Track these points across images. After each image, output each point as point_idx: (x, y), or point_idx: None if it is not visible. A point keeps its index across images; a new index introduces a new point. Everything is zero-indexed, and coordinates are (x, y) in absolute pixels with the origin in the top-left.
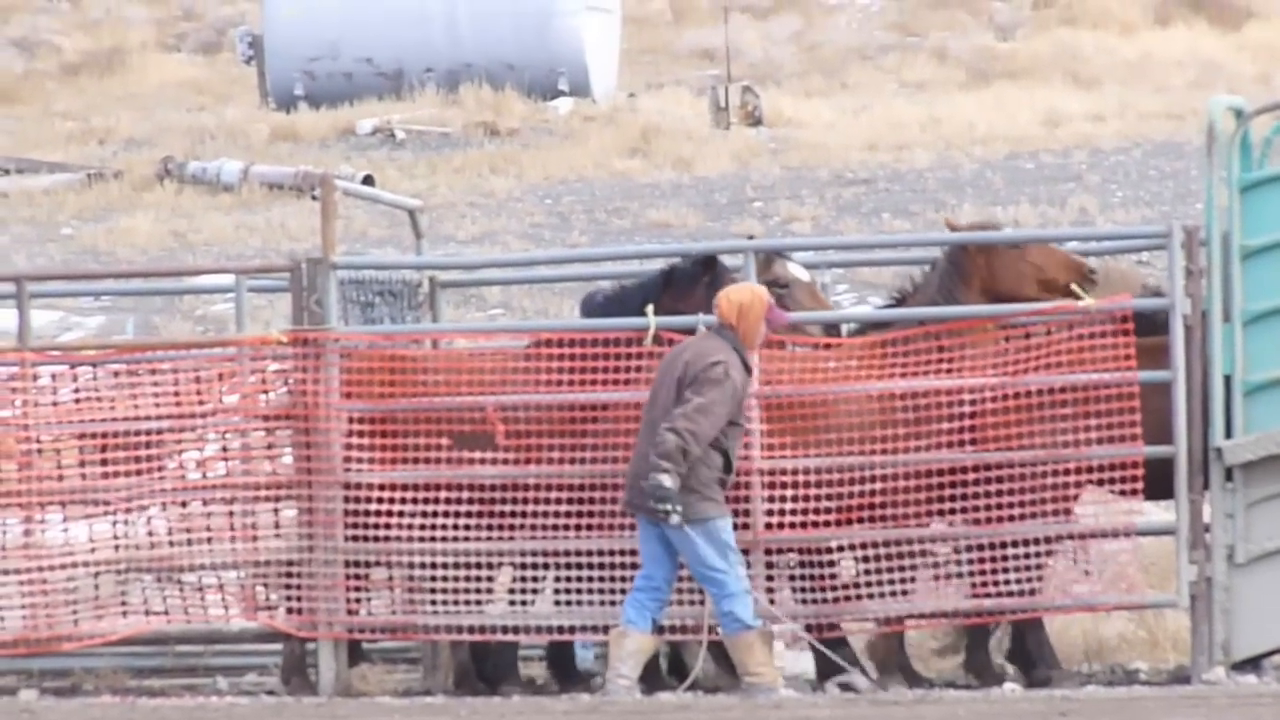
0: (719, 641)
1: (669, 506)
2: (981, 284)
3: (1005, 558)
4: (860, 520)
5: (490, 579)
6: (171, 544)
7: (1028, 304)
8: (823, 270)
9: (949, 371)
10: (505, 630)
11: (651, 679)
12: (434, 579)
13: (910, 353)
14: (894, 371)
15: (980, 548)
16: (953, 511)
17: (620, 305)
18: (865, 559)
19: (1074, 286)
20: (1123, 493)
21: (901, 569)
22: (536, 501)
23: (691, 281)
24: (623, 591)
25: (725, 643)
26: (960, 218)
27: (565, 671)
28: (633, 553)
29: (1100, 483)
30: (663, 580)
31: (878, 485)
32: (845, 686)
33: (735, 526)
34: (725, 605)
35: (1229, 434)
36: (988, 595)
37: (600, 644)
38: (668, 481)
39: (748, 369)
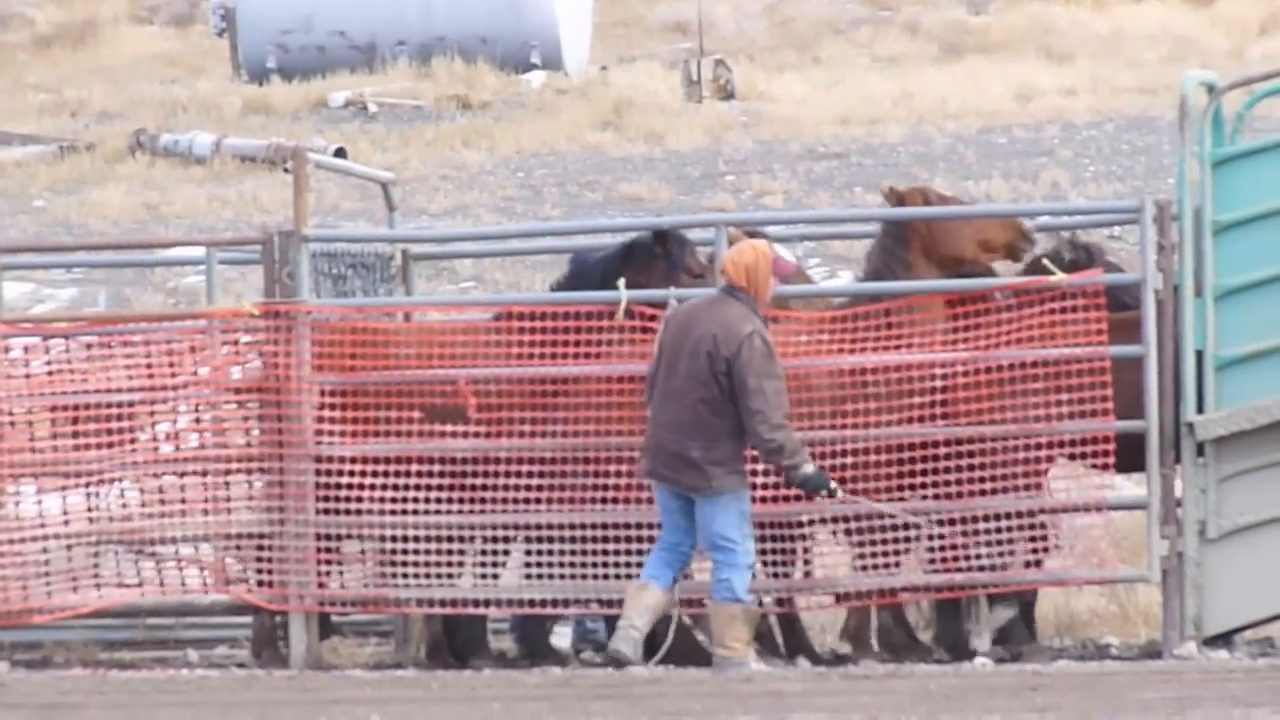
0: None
1: (828, 488)
2: (922, 246)
3: (976, 532)
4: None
5: (461, 552)
6: (144, 516)
7: (1001, 278)
8: (795, 244)
9: (919, 346)
10: (476, 604)
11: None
12: (405, 552)
13: (880, 327)
14: (865, 346)
15: (951, 522)
16: (924, 486)
17: (582, 280)
18: (835, 534)
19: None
20: (1094, 467)
21: (873, 544)
22: (507, 475)
23: (650, 254)
24: (593, 565)
25: (709, 609)
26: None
27: (535, 645)
28: (601, 526)
29: (1073, 456)
30: (689, 546)
31: (848, 460)
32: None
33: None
34: (725, 573)
35: (1201, 409)
36: (959, 569)
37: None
38: (809, 469)
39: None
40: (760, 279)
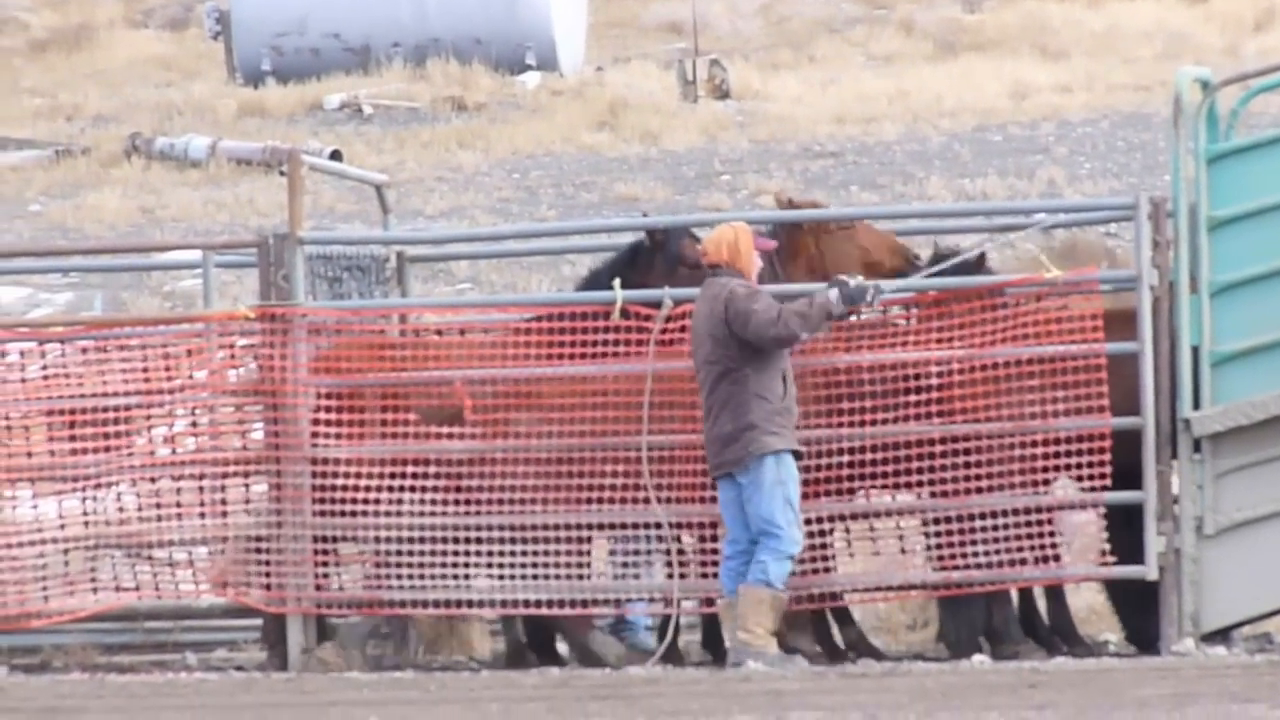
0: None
1: (869, 292)
2: (808, 263)
3: (973, 530)
4: (828, 493)
5: (458, 554)
6: (141, 520)
7: (997, 276)
8: None
9: (916, 344)
10: (474, 605)
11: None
12: (401, 554)
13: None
14: (861, 344)
15: (949, 520)
16: (920, 484)
17: (593, 285)
18: (832, 531)
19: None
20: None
21: (871, 542)
22: (503, 476)
23: (650, 254)
24: (589, 565)
25: (739, 590)
26: (929, 189)
27: (532, 646)
28: (598, 527)
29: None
30: (748, 542)
31: (845, 458)
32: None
33: (703, 500)
34: (763, 555)
35: (1197, 405)
36: (955, 568)
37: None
38: (836, 308)
39: None
40: (743, 254)
